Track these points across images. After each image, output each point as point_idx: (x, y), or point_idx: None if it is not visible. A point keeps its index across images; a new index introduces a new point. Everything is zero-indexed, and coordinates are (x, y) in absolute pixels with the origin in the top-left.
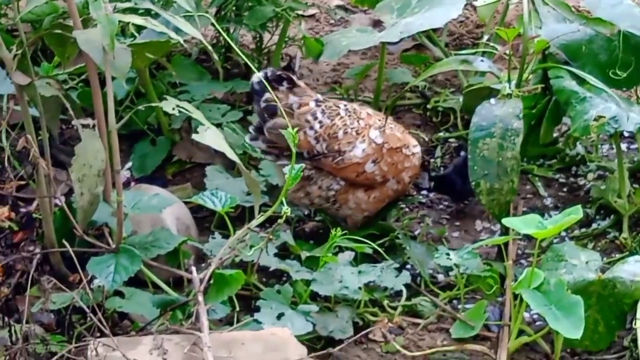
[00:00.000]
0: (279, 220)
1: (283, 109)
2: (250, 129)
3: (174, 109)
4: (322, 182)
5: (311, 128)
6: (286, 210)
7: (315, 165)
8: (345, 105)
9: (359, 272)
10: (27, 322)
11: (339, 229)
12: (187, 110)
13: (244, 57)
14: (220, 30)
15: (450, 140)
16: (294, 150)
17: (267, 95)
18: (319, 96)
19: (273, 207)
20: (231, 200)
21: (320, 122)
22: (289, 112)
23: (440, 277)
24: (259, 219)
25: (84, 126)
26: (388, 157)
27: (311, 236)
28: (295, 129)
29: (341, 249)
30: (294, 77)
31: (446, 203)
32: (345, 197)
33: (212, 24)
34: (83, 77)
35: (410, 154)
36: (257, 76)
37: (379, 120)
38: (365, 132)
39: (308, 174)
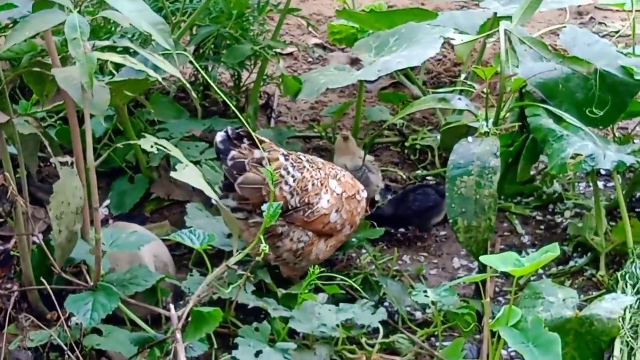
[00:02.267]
0: (257, 258)
1: (252, 164)
2: (217, 188)
3: (152, 146)
4: (294, 235)
5: (286, 183)
6: (264, 248)
7: (287, 221)
8: (304, 157)
9: (337, 309)
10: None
11: (317, 267)
12: (165, 148)
13: (222, 95)
14: (199, 69)
15: (429, 178)
16: (273, 189)
17: (233, 153)
18: (283, 150)
19: (251, 245)
20: (209, 238)
21: (293, 176)
22: (260, 168)
23: (418, 314)
24: (237, 257)
25: (62, 164)
26: (347, 205)
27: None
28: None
29: (318, 289)
30: (255, 134)
31: (424, 241)
32: (310, 249)
33: (191, 62)
34: (62, 115)
35: (361, 199)
36: (221, 135)
37: (332, 169)
38: (326, 183)
39: (281, 230)
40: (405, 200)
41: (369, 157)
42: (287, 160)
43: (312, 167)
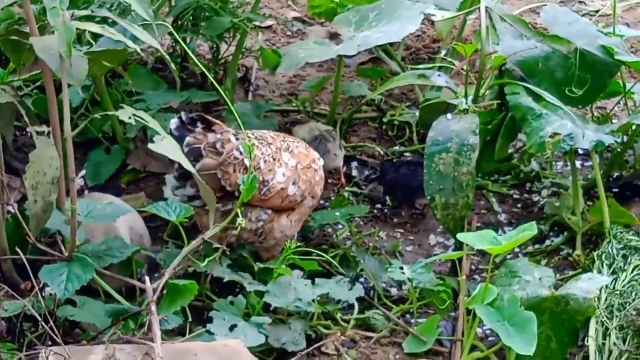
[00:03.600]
0: (234, 232)
1: (209, 149)
2: (172, 177)
3: (130, 118)
4: (252, 215)
5: (240, 165)
6: (241, 222)
7: (235, 199)
8: (253, 134)
9: (313, 285)
10: None
11: (293, 241)
12: (143, 119)
13: (201, 66)
14: (178, 39)
15: (406, 154)
16: (250, 163)
17: (188, 139)
18: (232, 130)
19: (228, 219)
20: (186, 211)
21: (242, 154)
22: (216, 152)
23: (394, 291)
24: (213, 230)
25: (38, 133)
26: (303, 175)
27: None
28: (228, 164)
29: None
30: (208, 117)
31: (401, 218)
32: (271, 226)
33: (170, 34)
34: (39, 84)
35: (317, 168)
36: (174, 122)
37: (283, 142)
38: (278, 157)
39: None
40: (417, 173)
41: (327, 127)
42: (237, 140)
43: (262, 143)
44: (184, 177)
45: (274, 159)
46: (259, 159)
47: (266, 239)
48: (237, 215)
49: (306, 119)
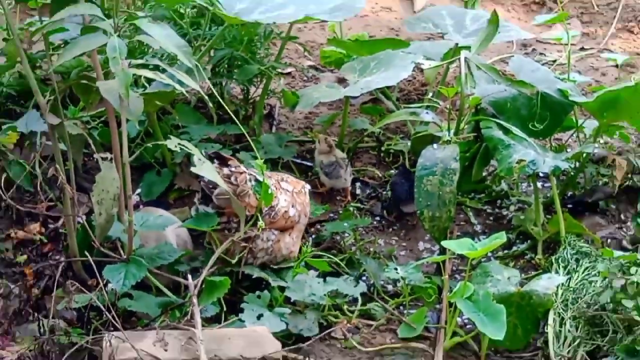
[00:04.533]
0: (256, 232)
1: (224, 179)
2: (196, 200)
3: (176, 146)
4: (263, 236)
5: (252, 195)
6: (261, 224)
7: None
8: (251, 173)
9: (324, 282)
10: (53, 318)
11: (309, 247)
12: (186, 147)
13: (227, 108)
14: (211, 86)
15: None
16: (264, 180)
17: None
18: (243, 166)
19: (250, 222)
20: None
21: (250, 182)
22: (229, 182)
23: (390, 287)
24: (241, 232)
25: (103, 159)
26: (297, 198)
27: None
28: (244, 192)
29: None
30: (223, 154)
31: (395, 227)
32: (278, 245)
33: (209, 78)
34: (103, 118)
35: (305, 192)
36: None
37: (277, 175)
38: (278, 187)
39: (250, 234)
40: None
41: (341, 155)
42: (250, 173)
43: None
44: (205, 200)
45: (276, 188)
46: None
47: (275, 256)
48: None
49: (328, 146)
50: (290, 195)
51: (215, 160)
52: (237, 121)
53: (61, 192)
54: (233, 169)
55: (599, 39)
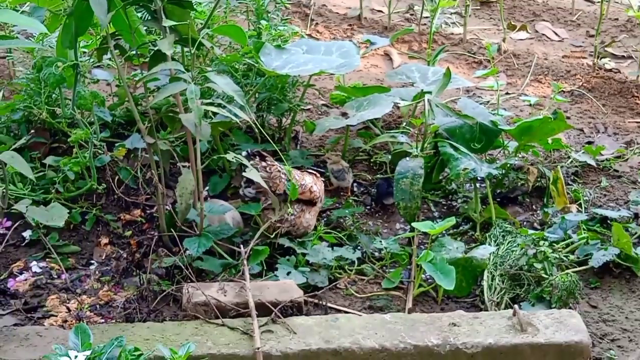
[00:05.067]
0: (287, 215)
1: (261, 169)
2: (243, 182)
3: (232, 158)
4: (290, 209)
5: (282, 178)
6: (290, 211)
7: (285, 199)
8: (282, 167)
9: (332, 250)
10: (149, 273)
11: (321, 226)
12: (240, 159)
13: (264, 132)
14: (256, 118)
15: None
16: (291, 177)
17: (250, 162)
18: (277, 164)
19: (282, 211)
20: (258, 207)
21: (284, 174)
22: (265, 170)
23: (376, 254)
24: (275, 217)
25: (183, 166)
26: (319, 183)
27: None
28: (275, 177)
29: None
30: (263, 152)
31: (380, 213)
32: (299, 220)
33: (254, 112)
34: (183, 139)
35: (323, 180)
36: (244, 154)
37: (302, 171)
38: (305, 173)
39: (284, 217)
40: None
41: (345, 164)
42: (280, 167)
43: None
44: (248, 182)
45: (302, 174)
46: (295, 172)
47: (297, 228)
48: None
49: (337, 159)
50: (314, 178)
51: (256, 156)
52: (272, 142)
53: (155, 188)
54: (268, 162)
55: (518, 87)
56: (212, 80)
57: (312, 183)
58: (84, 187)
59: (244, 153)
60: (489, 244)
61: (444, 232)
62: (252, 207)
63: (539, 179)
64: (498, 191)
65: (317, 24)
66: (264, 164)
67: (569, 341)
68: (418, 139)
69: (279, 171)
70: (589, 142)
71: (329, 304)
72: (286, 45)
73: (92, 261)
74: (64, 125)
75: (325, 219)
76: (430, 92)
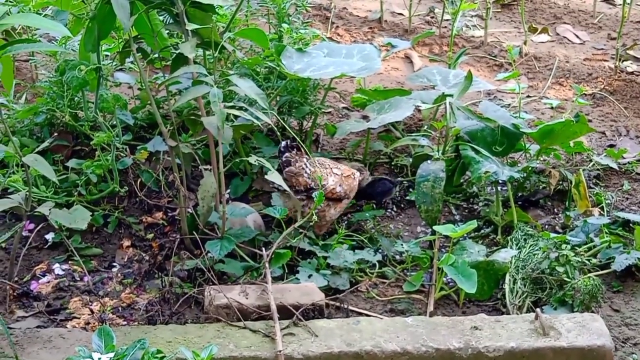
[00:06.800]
0: (311, 223)
1: (284, 164)
2: (276, 172)
3: (254, 161)
4: (313, 205)
5: (306, 174)
6: (315, 219)
7: (307, 195)
8: (317, 160)
9: (353, 252)
10: (171, 276)
11: (342, 229)
12: (262, 161)
13: (293, 133)
14: (278, 121)
15: (404, 182)
16: (321, 187)
17: (287, 154)
18: (306, 157)
19: (306, 217)
20: (283, 211)
21: (309, 170)
22: (289, 164)
23: (398, 257)
24: (300, 222)
25: (205, 169)
26: (346, 181)
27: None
28: (298, 173)
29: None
30: (300, 144)
31: (401, 216)
32: (324, 213)
33: (275, 115)
34: (205, 142)
35: (354, 177)
36: (283, 144)
37: (333, 164)
38: (330, 171)
39: (303, 203)
40: (373, 186)
41: (360, 165)
42: (306, 163)
43: (321, 165)
44: (280, 172)
45: (327, 174)
46: (319, 172)
47: (322, 219)
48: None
49: (352, 162)
50: (340, 178)
51: (294, 148)
52: (300, 142)
53: (177, 191)
54: (296, 157)
55: (539, 90)
56: (235, 84)
57: (336, 184)
58: (106, 189)
59: (282, 144)
60: (511, 248)
61: (465, 235)
62: (277, 211)
63: (560, 182)
64: (520, 194)
65: (337, 27)
66: (290, 157)
67: (592, 345)
68: (439, 142)
69: (305, 169)
70: (611, 145)
71: (350, 307)
72: (307, 48)
73: (115, 263)
74: (87, 128)
75: (345, 222)
76: (451, 95)
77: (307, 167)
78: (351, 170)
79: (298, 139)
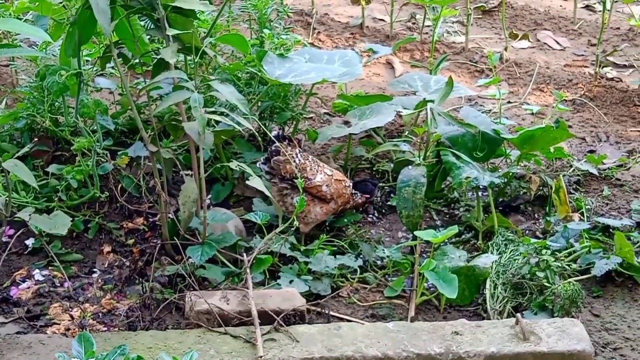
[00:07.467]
0: (292, 229)
1: (274, 151)
2: (262, 158)
3: (235, 166)
4: (295, 196)
5: (294, 162)
6: (296, 223)
7: (291, 184)
8: (311, 157)
9: (334, 258)
10: (152, 281)
11: (324, 235)
12: (243, 167)
13: (274, 139)
14: (259, 126)
15: (386, 187)
16: (301, 186)
17: (277, 144)
18: (298, 149)
19: (287, 223)
20: (265, 217)
21: (298, 159)
22: (278, 153)
23: (379, 262)
24: (280, 228)
25: (186, 174)
26: (335, 184)
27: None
28: (287, 161)
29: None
30: (292, 137)
31: (382, 222)
32: (308, 209)
33: (256, 121)
34: (186, 147)
35: (346, 185)
36: (274, 133)
37: (326, 167)
38: (321, 170)
39: (286, 192)
40: (356, 187)
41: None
42: (296, 154)
43: (313, 162)
44: (267, 160)
45: (317, 170)
46: (307, 165)
47: (306, 216)
48: (294, 220)
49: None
50: (329, 178)
51: (285, 139)
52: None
53: (158, 196)
54: (287, 148)
55: (520, 96)
56: (216, 89)
57: (323, 183)
58: (87, 195)
59: (273, 133)
60: (492, 253)
61: (446, 240)
62: (259, 216)
63: (541, 188)
64: (500, 200)
65: (319, 32)
66: (289, 149)
67: (572, 350)
68: (420, 148)
69: (293, 157)
70: (591, 151)
71: (331, 313)
72: (289, 54)
73: (95, 269)
74: (67, 133)
75: (327, 228)
76: (432, 101)
77: (297, 157)
78: (344, 177)
79: (290, 135)
